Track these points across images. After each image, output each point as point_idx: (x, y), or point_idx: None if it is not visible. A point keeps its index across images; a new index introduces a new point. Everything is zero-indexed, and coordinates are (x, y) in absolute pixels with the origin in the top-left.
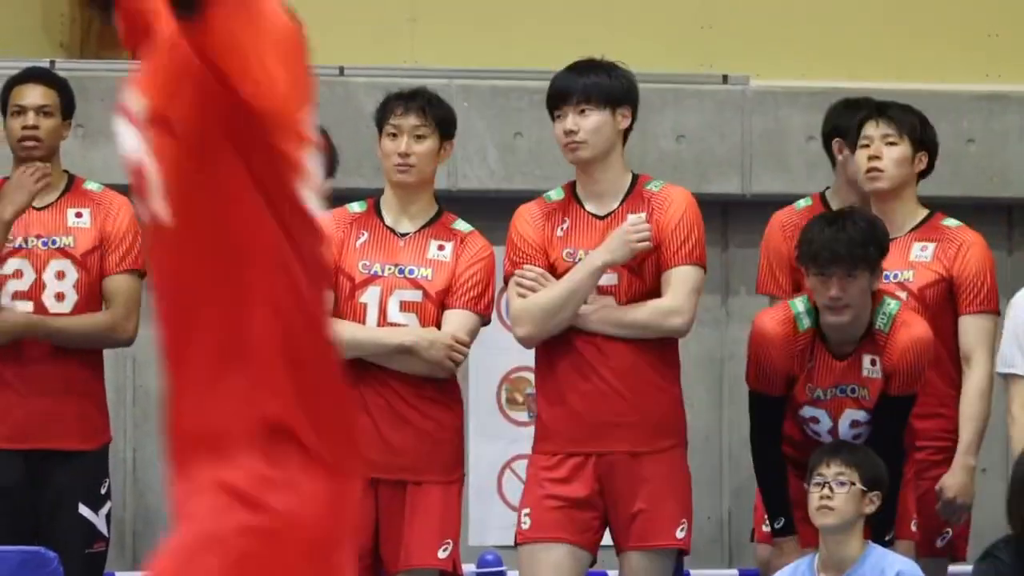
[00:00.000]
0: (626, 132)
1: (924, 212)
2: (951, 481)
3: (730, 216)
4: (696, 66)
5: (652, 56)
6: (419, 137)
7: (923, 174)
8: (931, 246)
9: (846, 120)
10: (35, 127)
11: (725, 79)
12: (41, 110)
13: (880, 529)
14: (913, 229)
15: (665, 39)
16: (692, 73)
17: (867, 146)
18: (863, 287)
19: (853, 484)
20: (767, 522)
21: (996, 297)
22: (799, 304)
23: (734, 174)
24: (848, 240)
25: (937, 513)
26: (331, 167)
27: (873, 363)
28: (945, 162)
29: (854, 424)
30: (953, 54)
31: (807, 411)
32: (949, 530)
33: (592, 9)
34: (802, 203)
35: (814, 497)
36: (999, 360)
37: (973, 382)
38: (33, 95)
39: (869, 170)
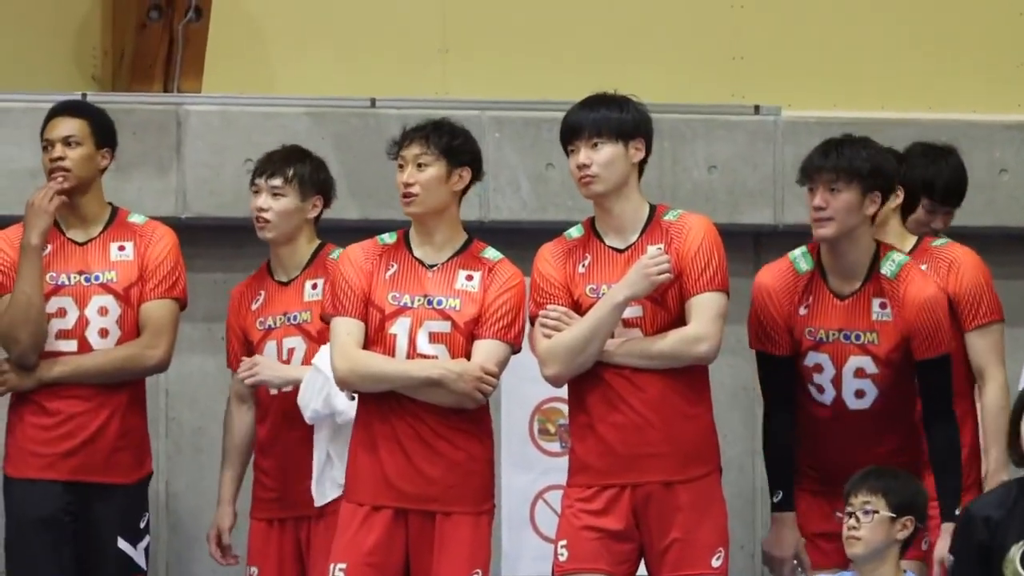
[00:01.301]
0: (641, 165)
1: (913, 239)
2: None
3: (763, 247)
4: (728, 97)
5: (684, 87)
6: (421, 166)
7: (905, 208)
8: (923, 268)
9: (919, 169)
10: (61, 158)
11: (757, 110)
12: (67, 141)
13: (946, 509)
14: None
15: (697, 70)
16: (724, 104)
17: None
18: (849, 203)
19: (878, 513)
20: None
21: (997, 305)
22: (797, 251)
23: (766, 205)
24: (837, 155)
25: None
26: (327, 195)
27: (883, 306)
28: (978, 192)
29: (858, 373)
30: (985, 84)
31: (810, 358)
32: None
33: (623, 41)
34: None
35: (844, 528)
36: (1022, 378)
37: (991, 398)
38: (58, 128)
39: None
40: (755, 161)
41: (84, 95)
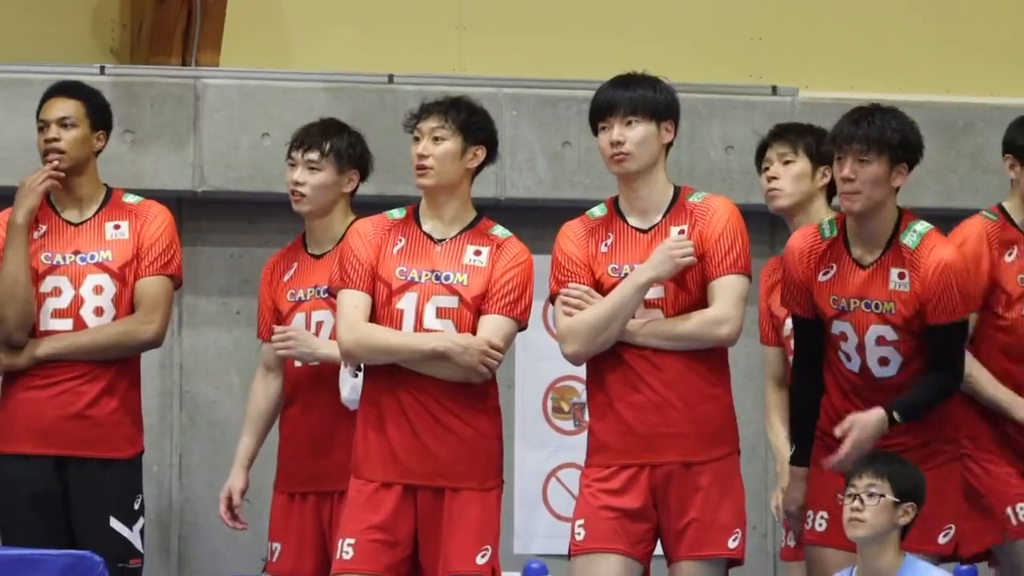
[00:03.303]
0: (667, 146)
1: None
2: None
3: (778, 227)
4: (745, 77)
5: (702, 67)
6: (437, 139)
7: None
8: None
9: (1021, 137)
10: (56, 139)
11: (774, 90)
12: (62, 122)
13: (889, 404)
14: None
15: (715, 50)
16: (741, 84)
17: (767, 168)
18: (876, 175)
19: (883, 496)
20: (790, 536)
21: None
22: (825, 219)
23: None
24: (869, 125)
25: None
26: (364, 170)
27: (901, 276)
28: (995, 175)
29: (880, 341)
30: (1002, 68)
31: (836, 327)
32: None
33: (641, 20)
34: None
35: (846, 509)
36: None
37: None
38: (53, 109)
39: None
40: None
41: (102, 68)
